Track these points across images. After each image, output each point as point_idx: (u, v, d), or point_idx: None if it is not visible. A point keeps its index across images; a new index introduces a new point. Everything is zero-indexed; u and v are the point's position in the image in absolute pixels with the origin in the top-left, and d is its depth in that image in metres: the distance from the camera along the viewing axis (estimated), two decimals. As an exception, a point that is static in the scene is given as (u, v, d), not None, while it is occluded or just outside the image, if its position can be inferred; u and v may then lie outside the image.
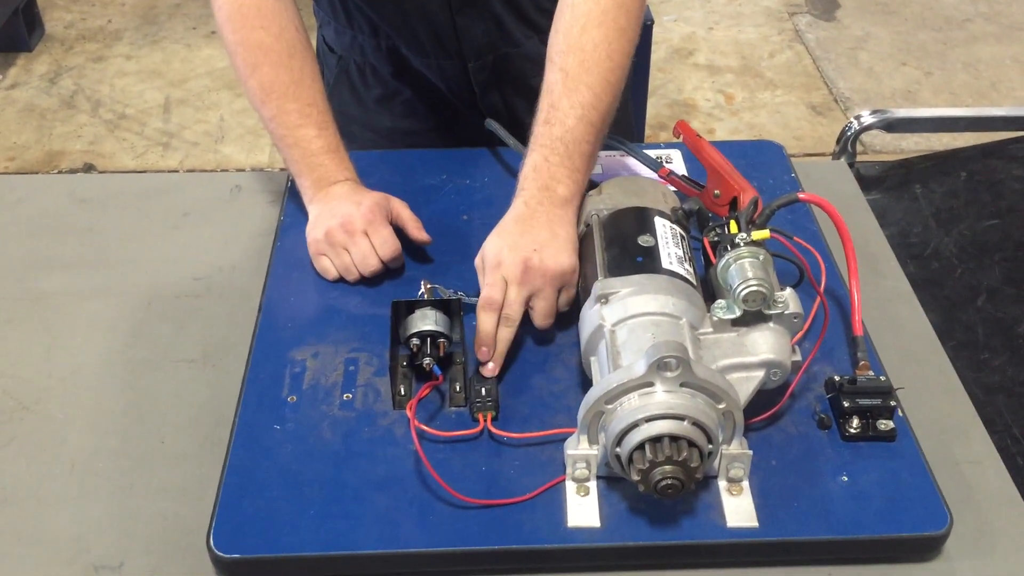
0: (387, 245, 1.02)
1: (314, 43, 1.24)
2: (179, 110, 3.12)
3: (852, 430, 0.87)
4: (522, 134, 1.22)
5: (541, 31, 1.22)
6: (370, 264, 1.02)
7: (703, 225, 0.97)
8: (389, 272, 1.05)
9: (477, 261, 0.96)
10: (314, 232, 1.04)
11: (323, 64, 1.30)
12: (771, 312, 0.85)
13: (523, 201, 0.97)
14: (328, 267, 1.03)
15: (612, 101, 1.01)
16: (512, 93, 1.27)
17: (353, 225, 1.02)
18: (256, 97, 1.08)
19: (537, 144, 0.99)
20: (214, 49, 3.44)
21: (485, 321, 0.91)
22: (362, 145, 1.28)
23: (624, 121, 1.35)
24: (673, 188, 1.11)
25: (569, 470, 0.83)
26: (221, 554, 0.78)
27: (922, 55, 3.41)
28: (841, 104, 3.18)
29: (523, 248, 0.92)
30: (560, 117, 0.98)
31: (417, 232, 1.06)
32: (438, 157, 1.23)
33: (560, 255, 0.93)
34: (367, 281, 1.04)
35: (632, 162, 1.19)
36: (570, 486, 0.83)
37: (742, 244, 0.86)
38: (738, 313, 0.85)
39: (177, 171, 2.86)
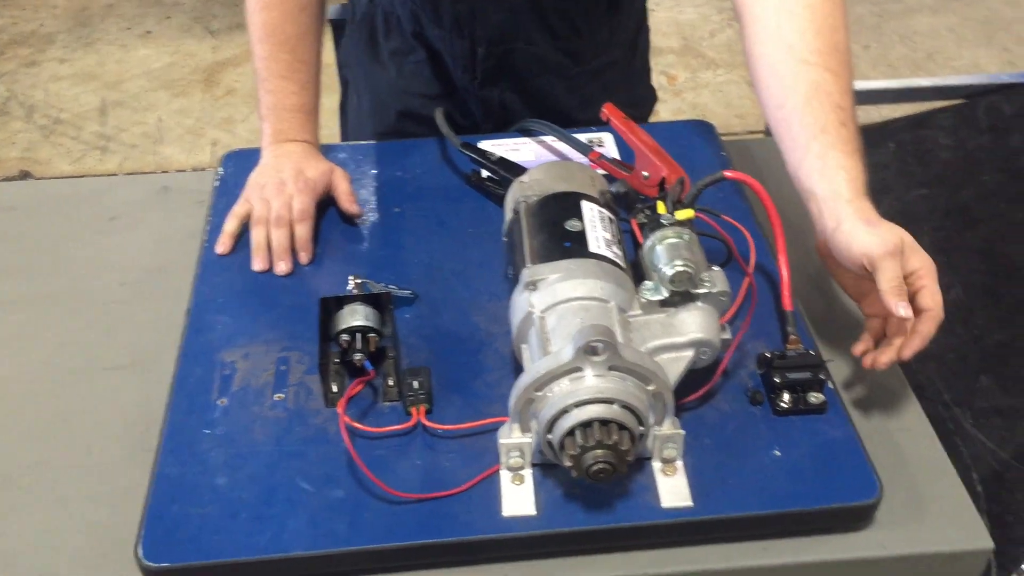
0: (303, 212, 1.05)
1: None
2: (116, 112, 3.07)
3: (783, 405, 0.87)
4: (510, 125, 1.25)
5: (557, 37, 1.23)
6: (282, 218, 1.04)
7: (631, 207, 0.97)
8: (320, 269, 1.04)
9: (891, 245, 0.85)
10: (256, 177, 1.10)
11: (355, 4, 1.33)
12: (698, 291, 0.85)
13: (864, 205, 0.89)
14: (244, 211, 1.07)
15: None
16: (511, 89, 1.27)
17: (285, 187, 1.07)
18: (256, 33, 1.12)
19: (852, 148, 0.91)
20: (150, 49, 3.38)
21: (927, 328, 0.86)
22: (362, 91, 1.33)
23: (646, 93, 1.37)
24: (603, 171, 1.11)
25: (503, 459, 0.83)
26: (149, 563, 0.76)
27: (859, 28, 3.44)
28: (782, 81, 3.20)
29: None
30: (852, 120, 0.93)
31: (348, 204, 1.09)
32: (368, 149, 1.22)
33: None
34: (297, 278, 1.03)
35: (564, 147, 1.19)
36: (505, 475, 0.83)
37: (667, 225, 0.86)
38: (665, 294, 0.85)
39: (116, 175, 2.81)
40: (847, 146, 0.90)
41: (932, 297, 0.86)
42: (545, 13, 1.21)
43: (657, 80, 3.21)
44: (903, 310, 0.83)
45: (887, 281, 0.84)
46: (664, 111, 3.07)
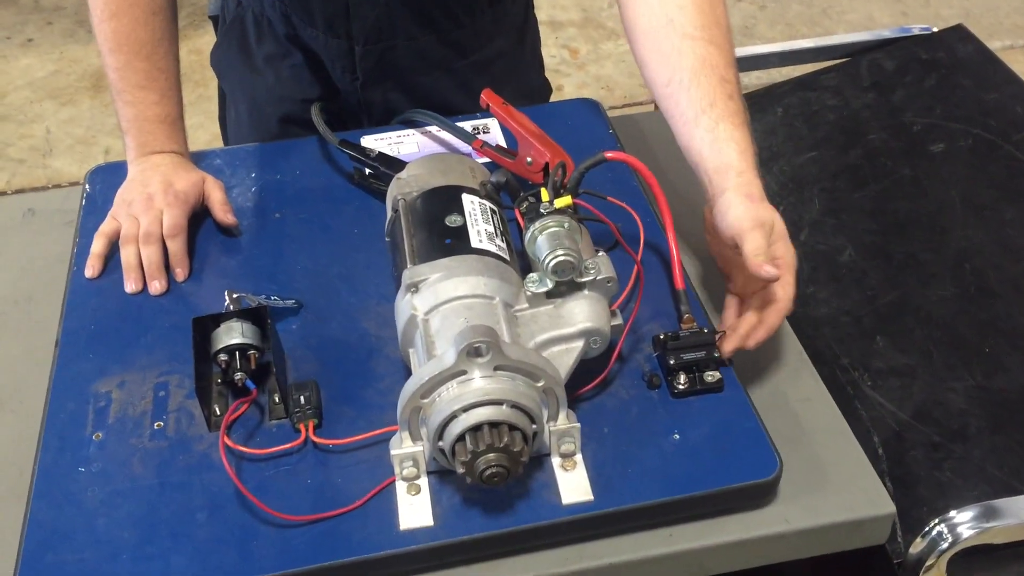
0: (174, 227, 1.00)
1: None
2: (0, 127, 2.93)
3: (680, 386, 0.86)
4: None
5: (438, 29, 1.18)
6: (152, 235, 0.99)
7: (514, 196, 0.94)
8: (199, 285, 0.99)
9: (764, 221, 0.85)
10: (123, 193, 1.05)
11: (224, 7, 1.27)
12: (583, 280, 0.83)
13: (753, 179, 0.88)
14: (112, 230, 1.02)
15: None
16: (395, 87, 1.22)
17: (154, 202, 1.02)
18: (106, 43, 1.06)
19: (740, 120, 0.91)
20: (32, 58, 3.23)
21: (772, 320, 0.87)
22: (239, 100, 1.27)
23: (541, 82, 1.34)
24: (488, 159, 1.08)
25: (397, 470, 0.80)
26: (22, 619, 0.72)
27: (755, -11, 3.47)
28: (683, 47, 3.20)
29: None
30: (738, 93, 0.93)
31: (223, 215, 1.05)
32: (244, 154, 1.17)
33: None
34: (174, 297, 0.98)
35: (448, 136, 1.16)
36: (400, 486, 0.80)
37: (545, 213, 0.83)
38: (550, 285, 0.83)
39: (5, 192, 2.69)
40: (736, 118, 0.90)
41: (784, 289, 0.86)
42: (423, 4, 1.16)
43: (559, 54, 3.20)
44: (766, 271, 0.82)
45: (751, 249, 0.83)
46: (568, 86, 3.05)
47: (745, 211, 0.85)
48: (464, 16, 1.19)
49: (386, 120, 1.22)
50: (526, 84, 1.32)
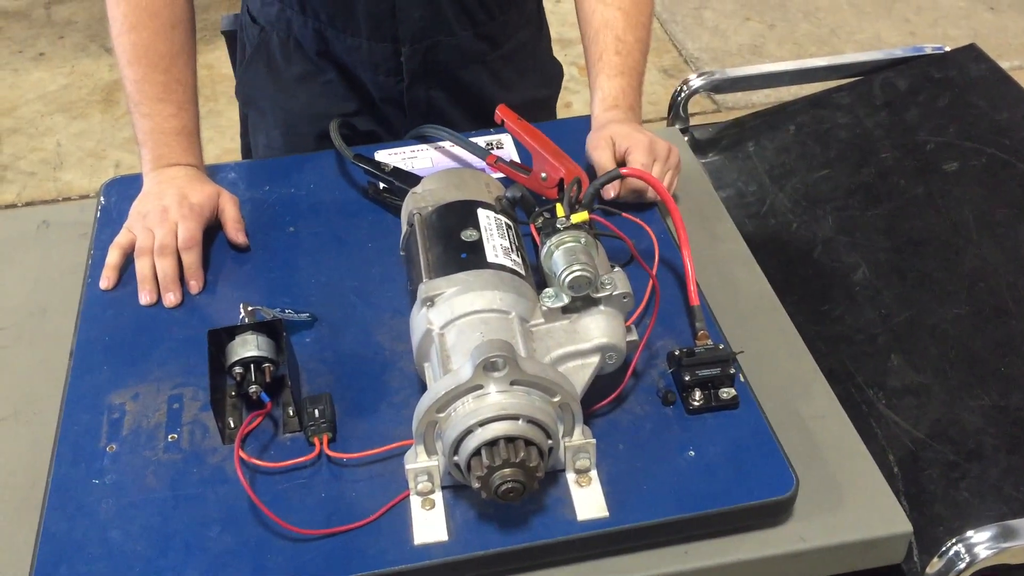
0: (189, 239, 1.01)
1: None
2: (11, 139, 2.94)
3: (695, 403, 0.86)
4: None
5: (476, 23, 1.22)
6: (167, 247, 0.99)
7: (529, 211, 0.94)
8: (213, 297, 0.99)
9: (601, 141, 1.06)
10: (138, 205, 1.05)
11: (244, 36, 1.28)
12: (599, 295, 0.83)
13: (624, 113, 1.10)
14: (127, 242, 1.02)
15: (650, 37, 1.18)
16: (437, 85, 1.24)
17: (168, 214, 1.02)
18: (125, 55, 1.07)
19: (616, 71, 1.12)
20: (44, 72, 3.25)
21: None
22: (271, 125, 1.29)
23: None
24: (502, 175, 1.09)
25: (411, 485, 0.80)
26: (36, 632, 0.71)
27: (764, 8, 3.48)
28: (691, 65, 3.22)
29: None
30: (628, 49, 1.12)
31: (234, 234, 1.05)
32: (259, 167, 1.18)
33: None
34: (188, 309, 0.98)
35: (461, 151, 1.16)
36: (415, 501, 0.80)
37: (561, 229, 0.84)
38: (566, 300, 0.83)
39: (16, 205, 2.70)
40: (612, 70, 1.11)
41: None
42: (465, 1, 1.19)
43: (568, 71, 3.20)
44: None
45: (603, 165, 1.05)
46: (577, 102, 3.05)
47: (594, 144, 1.07)
48: (495, 8, 1.23)
49: (428, 118, 1.23)
50: (546, 68, 1.37)
